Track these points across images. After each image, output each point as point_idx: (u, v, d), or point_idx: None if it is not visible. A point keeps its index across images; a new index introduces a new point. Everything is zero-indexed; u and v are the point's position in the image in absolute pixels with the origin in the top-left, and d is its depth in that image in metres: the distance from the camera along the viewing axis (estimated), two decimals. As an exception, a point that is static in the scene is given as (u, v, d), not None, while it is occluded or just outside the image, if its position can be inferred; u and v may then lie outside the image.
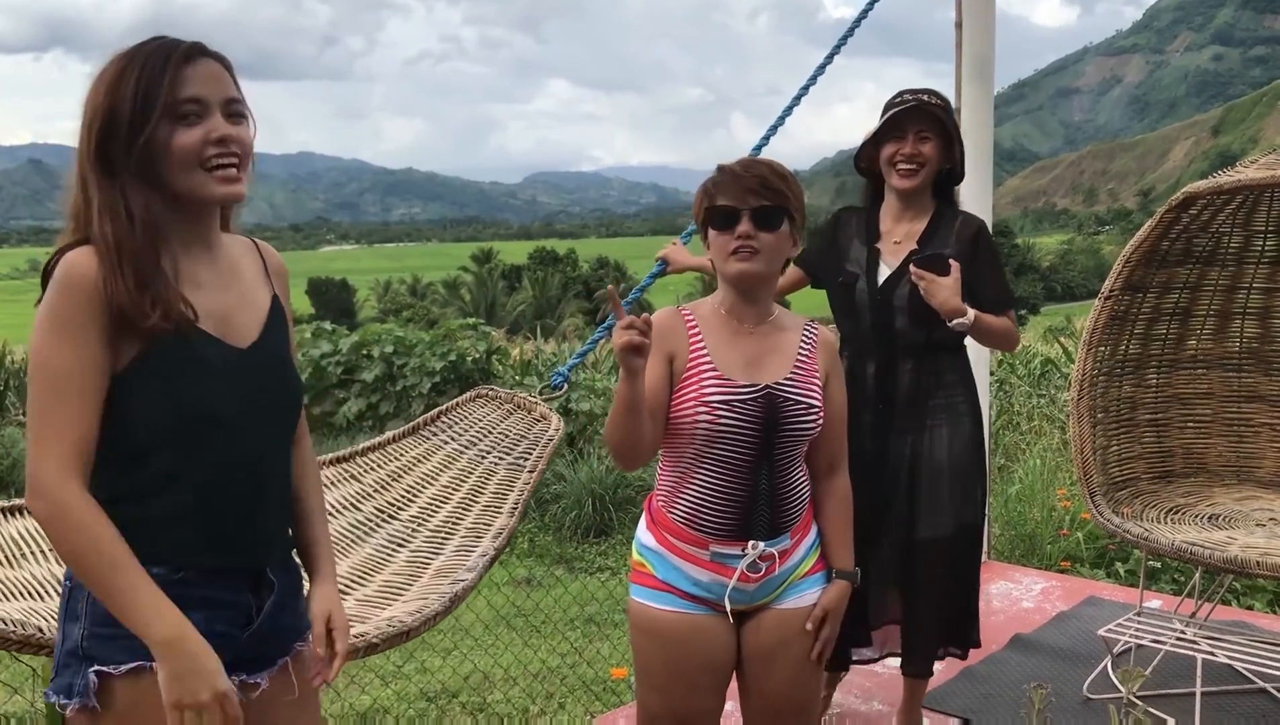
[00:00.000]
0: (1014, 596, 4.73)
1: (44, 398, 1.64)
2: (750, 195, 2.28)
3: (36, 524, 2.57)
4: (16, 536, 2.56)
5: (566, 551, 7.96)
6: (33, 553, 2.51)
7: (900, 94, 3.19)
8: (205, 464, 1.73)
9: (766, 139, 3.93)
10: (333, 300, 65.74)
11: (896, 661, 4.00)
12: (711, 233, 2.33)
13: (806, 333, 2.43)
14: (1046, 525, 6.28)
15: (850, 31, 4.37)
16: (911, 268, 3.01)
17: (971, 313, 2.99)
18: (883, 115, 3.16)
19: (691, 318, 2.37)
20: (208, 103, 1.72)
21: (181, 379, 1.70)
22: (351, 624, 2.39)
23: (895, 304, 3.12)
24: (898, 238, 3.18)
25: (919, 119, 3.10)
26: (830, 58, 4.26)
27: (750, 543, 2.30)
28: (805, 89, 4.17)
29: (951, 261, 3.00)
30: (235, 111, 1.76)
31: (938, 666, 3.93)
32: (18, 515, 2.63)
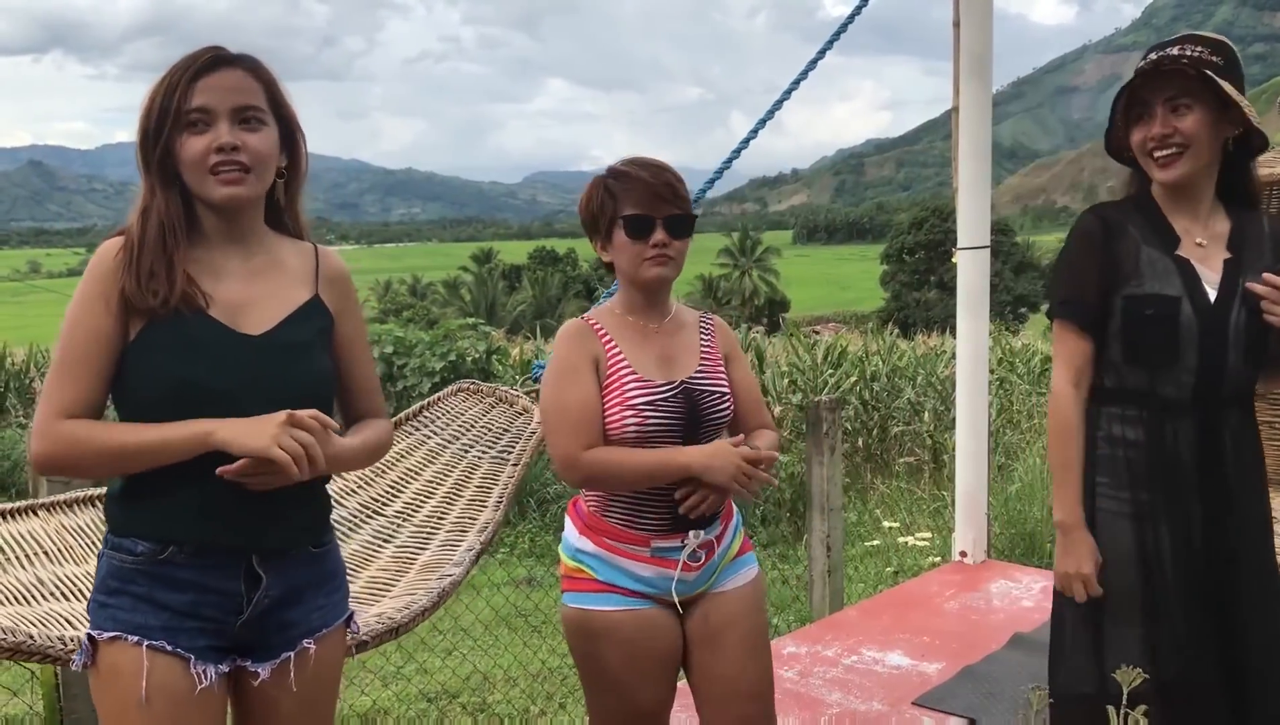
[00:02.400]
0: (1014, 595, 4.73)
1: (56, 360, 1.84)
2: (663, 203, 2.32)
3: (28, 528, 2.59)
4: (12, 539, 2.55)
5: (567, 551, 7.96)
6: (20, 557, 2.49)
7: (1147, 52, 2.41)
8: None
9: (750, 138, 3.92)
10: (333, 301, 65.54)
11: (899, 659, 4.01)
12: (622, 239, 2.34)
13: (703, 323, 2.49)
14: (1046, 524, 6.28)
15: (837, 34, 4.36)
16: (1270, 278, 2.29)
17: None
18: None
19: (598, 325, 2.40)
20: (214, 112, 1.85)
21: (174, 355, 1.82)
22: None
23: (1230, 337, 2.30)
24: (1200, 238, 2.37)
25: (1166, 85, 2.29)
26: (819, 57, 4.26)
27: (691, 533, 2.35)
28: (791, 89, 4.18)
29: None
30: (247, 118, 1.88)
31: (936, 666, 3.94)
32: (10, 519, 2.62)
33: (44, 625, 2.17)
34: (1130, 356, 2.35)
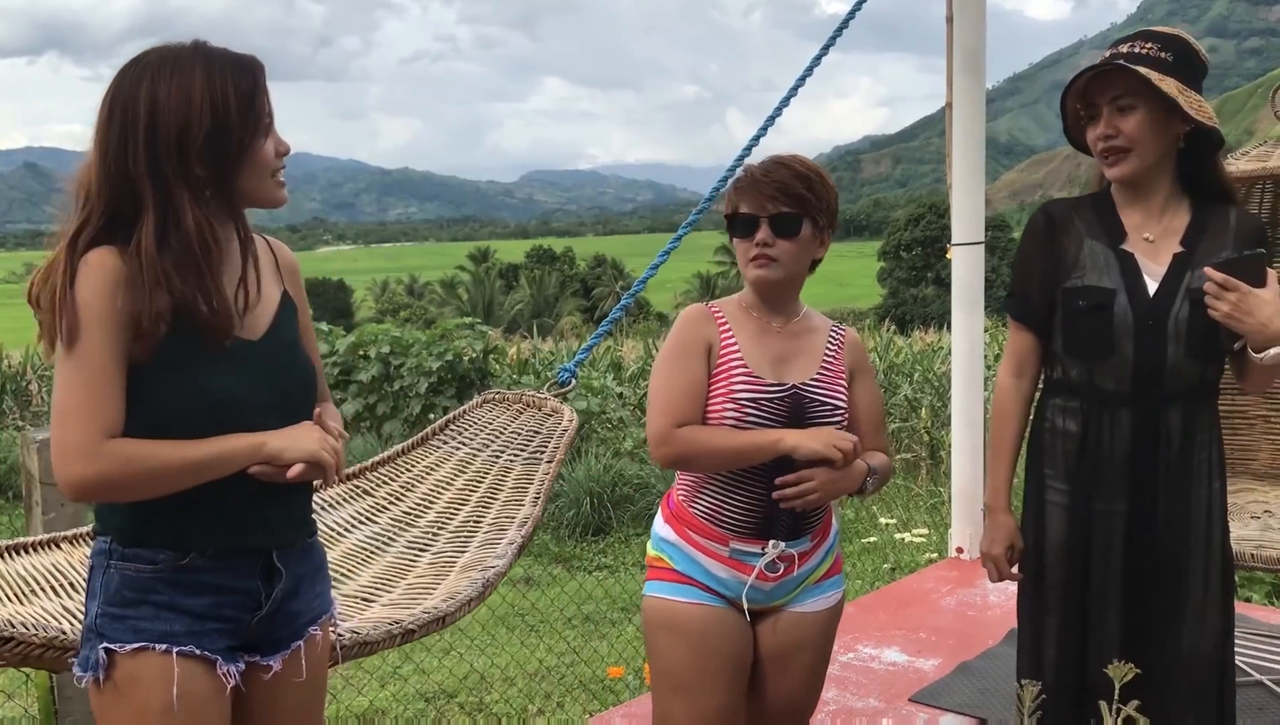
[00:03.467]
0: (1010, 591, 4.71)
1: (75, 379, 1.72)
2: (769, 202, 2.27)
3: (51, 561, 2.58)
4: (24, 573, 2.55)
5: (564, 550, 7.95)
6: (42, 589, 2.49)
7: (1106, 49, 2.41)
8: None
9: (758, 138, 3.93)
10: (330, 301, 65.70)
11: (896, 655, 4.01)
12: (735, 239, 2.35)
13: (833, 333, 2.42)
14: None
15: (839, 31, 4.37)
16: (1209, 272, 2.22)
17: None
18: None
19: (721, 314, 2.37)
20: (273, 116, 1.86)
21: (194, 370, 1.79)
22: (384, 619, 2.42)
23: (1169, 331, 2.28)
24: (1150, 234, 2.36)
25: (1111, 84, 2.30)
26: (820, 56, 4.27)
27: (770, 542, 2.30)
28: (795, 88, 4.18)
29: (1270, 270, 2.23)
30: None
31: (933, 663, 3.94)
32: (24, 553, 2.63)
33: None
34: (1069, 348, 2.38)
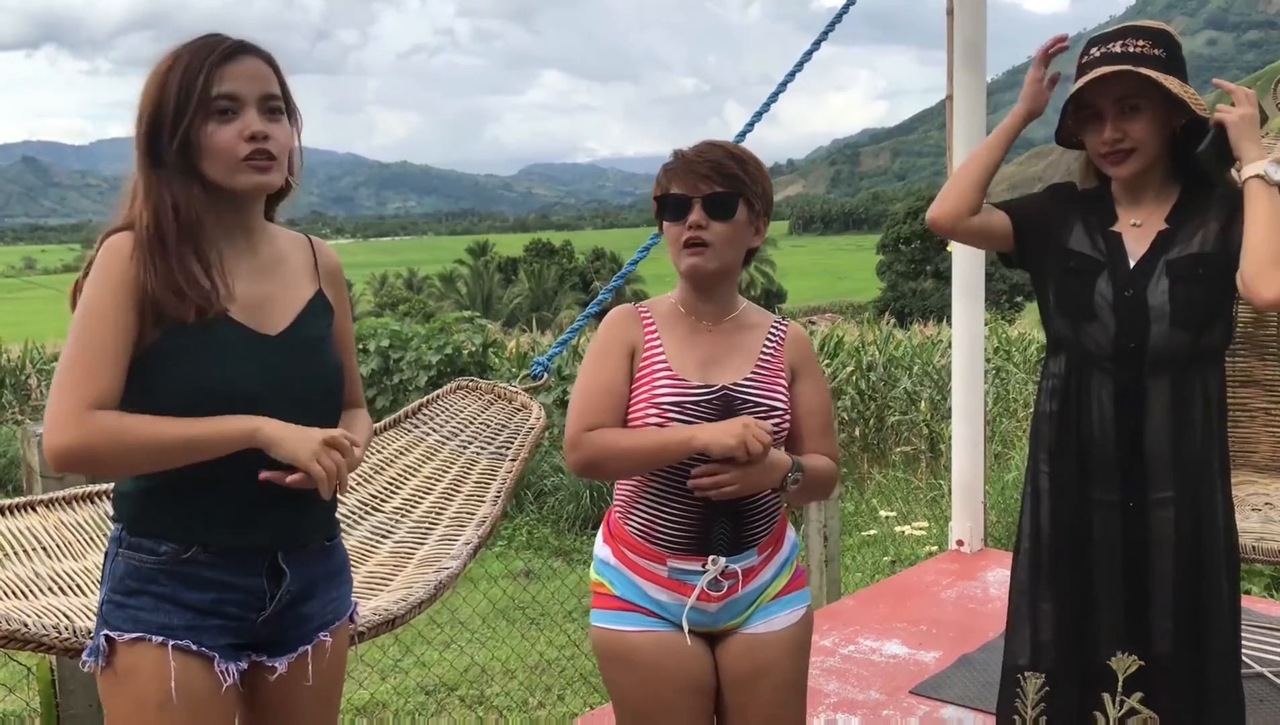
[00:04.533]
0: (1011, 584, 4.73)
1: (77, 352, 1.74)
2: (702, 182, 2.12)
3: (25, 524, 2.58)
4: (10, 535, 2.55)
5: (564, 543, 7.97)
6: (13, 554, 2.49)
7: (1088, 47, 2.39)
8: None
9: (750, 127, 3.92)
10: (329, 295, 65.50)
11: (897, 648, 4.02)
12: (665, 223, 2.19)
13: (774, 329, 2.27)
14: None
15: (831, 25, 4.35)
16: (1218, 82, 2.33)
17: None
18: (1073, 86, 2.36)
19: (648, 314, 2.23)
20: (243, 99, 1.81)
21: (199, 360, 1.78)
22: None
23: (1151, 303, 2.33)
24: (1137, 219, 2.41)
25: (1116, 86, 2.28)
26: (814, 49, 4.25)
27: (710, 558, 2.14)
28: (785, 83, 4.17)
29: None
30: (272, 108, 1.85)
31: (934, 655, 3.94)
32: (8, 514, 2.62)
33: (40, 617, 2.16)
34: (1059, 303, 2.44)
